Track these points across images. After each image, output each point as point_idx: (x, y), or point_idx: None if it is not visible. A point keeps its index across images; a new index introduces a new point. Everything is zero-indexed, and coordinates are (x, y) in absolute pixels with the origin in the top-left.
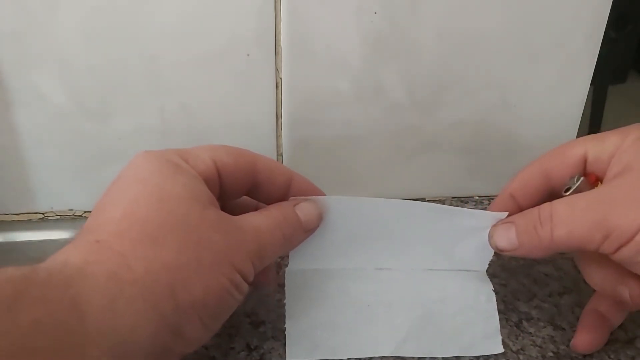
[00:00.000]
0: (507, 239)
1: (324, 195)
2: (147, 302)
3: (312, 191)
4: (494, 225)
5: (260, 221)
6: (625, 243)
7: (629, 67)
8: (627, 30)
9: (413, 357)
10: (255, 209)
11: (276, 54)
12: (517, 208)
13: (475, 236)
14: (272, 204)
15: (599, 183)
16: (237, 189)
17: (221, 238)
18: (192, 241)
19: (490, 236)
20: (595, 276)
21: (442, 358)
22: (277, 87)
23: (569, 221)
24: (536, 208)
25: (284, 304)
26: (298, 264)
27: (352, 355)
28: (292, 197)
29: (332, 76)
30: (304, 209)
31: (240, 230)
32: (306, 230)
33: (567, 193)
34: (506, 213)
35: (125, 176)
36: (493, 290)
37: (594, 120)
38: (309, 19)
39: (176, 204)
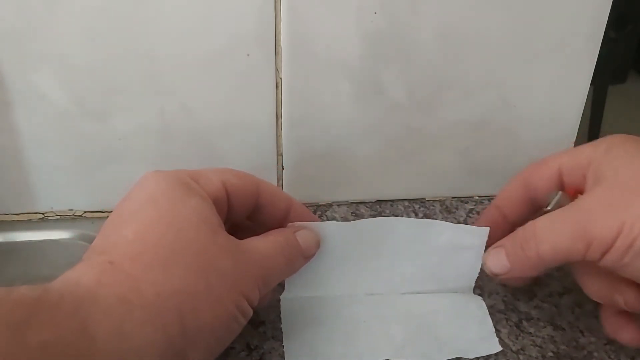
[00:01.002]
0: (499, 263)
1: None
2: (155, 326)
3: (309, 218)
4: (487, 252)
5: (265, 246)
6: (607, 250)
7: (629, 67)
8: (627, 30)
9: None
10: (254, 234)
11: (276, 54)
12: (503, 218)
13: (460, 255)
14: (271, 229)
15: (579, 195)
16: (243, 210)
17: (230, 264)
18: (202, 267)
19: (484, 263)
20: (592, 286)
21: None
22: (277, 87)
23: (552, 236)
24: (521, 228)
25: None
26: (292, 292)
27: None
28: (290, 224)
29: (332, 76)
30: (304, 236)
31: (248, 254)
32: (306, 257)
33: (548, 208)
34: (488, 228)
35: (136, 195)
36: (482, 299)
37: (594, 120)
38: (309, 19)
39: (187, 228)
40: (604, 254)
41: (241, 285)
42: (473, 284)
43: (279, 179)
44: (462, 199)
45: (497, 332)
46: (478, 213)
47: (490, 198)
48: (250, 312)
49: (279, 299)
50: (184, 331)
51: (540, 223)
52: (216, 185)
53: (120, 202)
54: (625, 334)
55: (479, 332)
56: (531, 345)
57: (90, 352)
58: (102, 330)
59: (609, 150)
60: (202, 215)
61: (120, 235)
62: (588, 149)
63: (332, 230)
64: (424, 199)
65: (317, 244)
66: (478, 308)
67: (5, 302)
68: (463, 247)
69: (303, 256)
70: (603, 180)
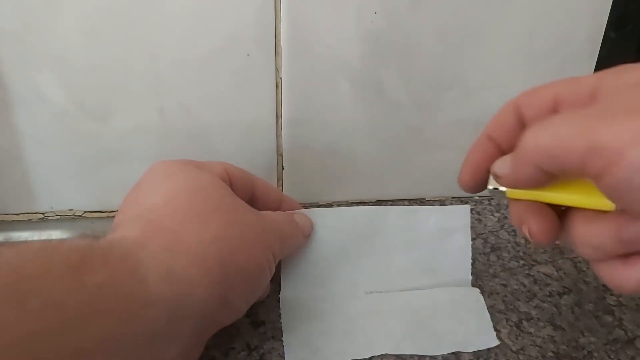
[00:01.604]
0: (502, 163)
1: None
2: (200, 270)
3: (299, 209)
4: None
5: (275, 216)
6: (612, 163)
7: None
8: (627, 30)
9: (413, 356)
10: None
11: (276, 54)
12: (496, 149)
13: (450, 240)
14: None
15: None
16: (242, 198)
17: (255, 220)
18: (233, 220)
19: (491, 170)
20: (511, 212)
21: (442, 356)
22: (277, 87)
23: (556, 125)
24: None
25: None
26: (291, 291)
27: (351, 357)
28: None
29: (332, 76)
30: (299, 217)
31: (265, 217)
32: (304, 235)
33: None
34: (468, 205)
35: (151, 176)
36: (479, 292)
37: None
38: (309, 19)
39: (210, 191)
40: (604, 168)
41: (266, 240)
42: (470, 275)
43: (279, 179)
44: (462, 199)
45: (497, 332)
46: (478, 213)
47: (490, 198)
48: (273, 269)
49: (279, 299)
50: (225, 275)
51: (554, 119)
52: (219, 170)
53: (134, 186)
54: (533, 222)
55: (476, 326)
56: (531, 345)
57: (143, 293)
58: (152, 273)
59: (618, 73)
60: (220, 183)
61: (151, 202)
62: (592, 78)
63: (323, 215)
64: (424, 199)
65: (312, 225)
66: (476, 302)
67: (61, 248)
68: (451, 229)
69: (302, 234)
70: (616, 93)
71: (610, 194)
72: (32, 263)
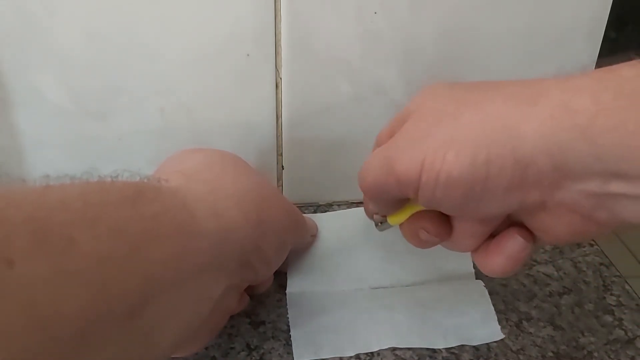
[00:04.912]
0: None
1: None
2: (239, 212)
3: None
4: None
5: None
6: (417, 187)
7: None
8: (627, 30)
9: (412, 355)
10: None
11: (276, 54)
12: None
13: None
14: None
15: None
16: None
17: (279, 191)
18: (260, 181)
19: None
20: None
21: (442, 356)
22: (277, 87)
23: (371, 170)
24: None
25: (284, 304)
26: (297, 287)
27: (358, 351)
28: None
29: (332, 76)
30: (305, 218)
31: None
32: (311, 234)
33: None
34: None
35: (180, 152)
36: (483, 285)
37: None
38: (309, 19)
39: (238, 159)
40: (416, 191)
41: (291, 209)
42: (472, 267)
43: (279, 179)
44: None
45: None
46: None
47: None
48: (290, 247)
49: (279, 299)
50: (259, 221)
51: (370, 157)
52: None
53: (165, 160)
54: (427, 224)
55: (482, 319)
56: (531, 345)
57: (194, 226)
58: (199, 208)
59: (418, 94)
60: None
61: (185, 165)
62: (408, 106)
63: (325, 219)
64: None
65: (316, 227)
66: (480, 295)
67: (116, 183)
68: None
69: (309, 232)
70: (409, 117)
71: (430, 207)
72: (93, 194)
